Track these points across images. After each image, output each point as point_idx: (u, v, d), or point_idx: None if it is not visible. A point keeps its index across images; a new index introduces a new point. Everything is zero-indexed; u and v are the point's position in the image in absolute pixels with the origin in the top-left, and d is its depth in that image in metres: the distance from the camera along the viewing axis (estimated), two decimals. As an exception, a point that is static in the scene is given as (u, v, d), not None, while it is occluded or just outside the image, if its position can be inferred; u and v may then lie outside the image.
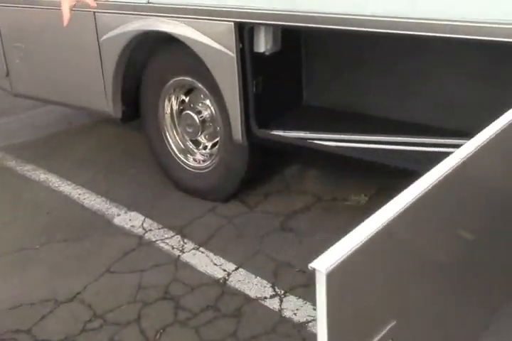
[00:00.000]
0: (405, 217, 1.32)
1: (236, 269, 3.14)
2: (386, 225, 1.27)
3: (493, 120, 2.74)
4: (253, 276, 3.09)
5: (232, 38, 3.01)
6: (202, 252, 3.29)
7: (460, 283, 1.74)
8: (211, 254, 3.26)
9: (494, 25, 2.39)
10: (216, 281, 3.07)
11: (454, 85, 3.10)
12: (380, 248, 1.27)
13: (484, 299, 1.97)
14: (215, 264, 3.19)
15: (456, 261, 1.66)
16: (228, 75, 3.10)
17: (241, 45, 3.01)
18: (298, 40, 3.40)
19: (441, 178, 1.43)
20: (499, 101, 3.10)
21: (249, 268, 3.14)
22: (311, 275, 3.05)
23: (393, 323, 1.35)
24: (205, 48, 3.14)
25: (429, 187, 1.42)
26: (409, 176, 3.44)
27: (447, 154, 2.86)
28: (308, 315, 2.85)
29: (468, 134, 2.99)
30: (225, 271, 3.13)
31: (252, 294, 2.98)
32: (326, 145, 3.03)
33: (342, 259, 1.15)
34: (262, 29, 3.04)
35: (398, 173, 3.58)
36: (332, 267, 1.13)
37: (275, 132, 3.18)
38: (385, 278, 1.35)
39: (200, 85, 3.41)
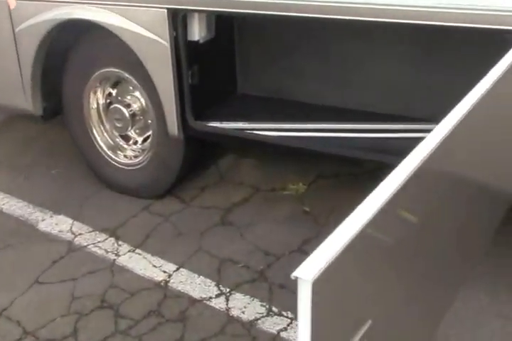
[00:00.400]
0: (379, 219, 1.25)
1: (177, 270, 2.98)
2: (362, 229, 1.21)
3: (433, 103, 2.69)
4: (196, 276, 2.95)
5: (165, 26, 2.83)
6: (139, 254, 3.11)
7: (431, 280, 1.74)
8: (149, 256, 3.09)
9: (431, 10, 2.34)
10: (157, 284, 2.91)
11: (391, 70, 3.03)
12: (359, 252, 1.24)
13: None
14: (154, 266, 3.02)
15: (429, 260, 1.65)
16: (162, 65, 2.92)
17: (175, 33, 2.85)
18: (231, 27, 3.25)
19: (412, 173, 1.33)
20: (437, 84, 3.09)
21: (191, 267, 2.99)
22: (256, 270, 2.97)
23: (369, 323, 1.34)
24: (136, 37, 2.95)
25: (401, 185, 1.30)
26: (346, 163, 3.49)
27: (386, 139, 2.87)
28: (257, 312, 2.73)
29: (407, 119, 3.00)
30: (165, 272, 2.97)
31: (196, 295, 2.83)
32: (266, 136, 2.91)
33: (325, 267, 1.12)
34: (196, 16, 2.88)
35: (336, 161, 3.54)
36: (317, 275, 1.10)
37: (212, 124, 3.03)
38: (364, 280, 1.34)
39: (129, 76, 3.20)
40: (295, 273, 1.12)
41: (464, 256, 2.08)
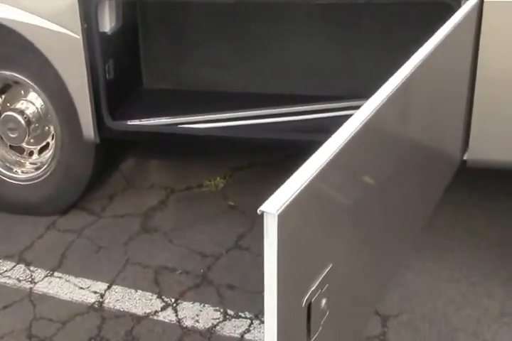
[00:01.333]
0: (336, 163, 1.37)
1: (109, 288, 2.66)
2: (320, 171, 1.32)
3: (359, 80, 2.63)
4: (132, 291, 2.64)
5: (76, 17, 2.52)
6: (59, 277, 2.73)
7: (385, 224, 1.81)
8: (72, 278, 2.73)
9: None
10: (90, 307, 2.57)
11: (309, 50, 2.91)
12: (319, 193, 1.35)
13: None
14: (82, 288, 2.66)
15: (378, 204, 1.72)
16: (74, 61, 2.61)
17: (86, 25, 2.54)
18: (134, 16, 2.97)
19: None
20: (353, 64, 3.01)
21: (124, 283, 2.68)
22: (197, 275, 2.72)
23: (330, 266, 1.40)
24: (41, 32, 2.62)
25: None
26: (258, 154, 3.32)
27: (323, 119, 2.75)
28: (212, 319, 2.49)
29: (335, 98, 2.89)
30: (96, 293, 2.63)
31: (140, 311, 2.53)
32: (199, 129, 2.69)
33: (289, 202, 1.21)
34: (107, 4, 2.60)
35: (247, 153, 3.37)
36: (282, 209, 1.19)
37: (132, 122, 2.75)
38: (325, 223, 1.42)
39: (23, 78, 2.81)
40: (261, 208, 1.19)
41: (415, 212, 2.10)
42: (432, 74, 1.89)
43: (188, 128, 2.70)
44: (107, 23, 2.64)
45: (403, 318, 2.48)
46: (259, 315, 2.51)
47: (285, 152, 3.23)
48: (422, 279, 2.65)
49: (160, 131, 2.76)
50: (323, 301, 1.36)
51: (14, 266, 2.82)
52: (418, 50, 1.75)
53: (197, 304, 2.56)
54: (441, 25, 1.92)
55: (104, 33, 2.66)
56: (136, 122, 2.76)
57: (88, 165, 2.92)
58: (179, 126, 2.72)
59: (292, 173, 1.28)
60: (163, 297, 2.60)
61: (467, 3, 2.14)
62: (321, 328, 1.38)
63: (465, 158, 2.48)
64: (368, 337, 2.40)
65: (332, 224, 1.44)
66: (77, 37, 2.56)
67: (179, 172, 3.34)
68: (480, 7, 2.19)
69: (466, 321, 2.46)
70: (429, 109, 1.96)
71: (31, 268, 2.80)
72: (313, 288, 1.33)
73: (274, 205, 1.19)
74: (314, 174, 1.29)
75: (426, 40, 1.79)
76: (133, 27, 2.96)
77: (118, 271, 2.73)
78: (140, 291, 2.63)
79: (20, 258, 2.86)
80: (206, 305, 2.55)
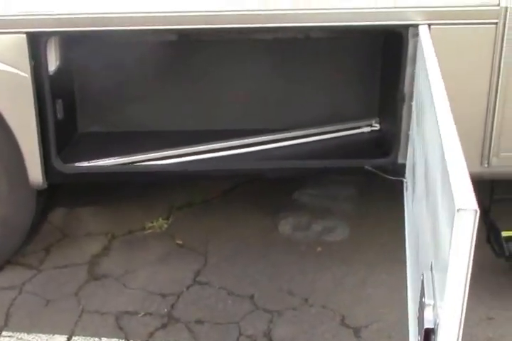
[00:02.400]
0: None
1: (69, 339, 2.49)
2: None
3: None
4: (96, 339, 2.49)
5: (23, 54, 2.39)
6: (9, 337, 2.50)
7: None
8: (24, 335, 2.51)
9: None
10: (53, 363, 2.41)
11: (243, 89, 3.00)
12: None
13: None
14: (39, 345, 2.49)
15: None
16: (20, 101, 2.46)
17: (34, 63, 2.43)
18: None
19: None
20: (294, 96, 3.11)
21: (86, 333, 2.50)
22: (162, 314, 2.61)
23: None
24: None
25: None
26: (196, 192, 3.31)
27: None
28: (190, 356, 2.41)
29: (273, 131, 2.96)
30: (56, 346, 2.48)
31: (111, 358, 2.41)
32: (155, 165, 2.65)
33: None
34: (57, 40, 2.54)
35: (185, 191, 3.35)
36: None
37: (82, 164, 2.64)
38: None
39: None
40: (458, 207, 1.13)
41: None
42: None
43: (149, 165, 2.65)
44: (53, 61, 2.58)
45: (373, 328, 2.54)
46: (235, 345, 2.46)
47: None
48: (381, 291, 2.73)
49: (120, 171, 2.68)
50: None
51: (-45, 332, 2.60)
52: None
53: (169, 343, 2.47)
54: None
55: (52, 71, 2.59)
56: (85, 164, 2.66)
57: (28, 216, 2.75)
58: (135, 164, 2.67)
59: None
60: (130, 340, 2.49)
61: (420, 29, 2.30)
62: None
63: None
64: (345, 348, 2.43)
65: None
66: (25, 75, 2.44)
67: (116, 218, 3.22)
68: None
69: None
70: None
71: (-25, 331, 2.59)
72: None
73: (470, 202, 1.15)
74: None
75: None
76: (71, 69, 2.92)
77: (75, 321, 2.56)
78: (105, 339, 2.48)
79: (-41, 322, 2.64)
80: (179, 343, 2.47)
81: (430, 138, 1.80)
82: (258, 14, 2.35)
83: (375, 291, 2.72)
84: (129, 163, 2.71)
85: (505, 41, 2.35)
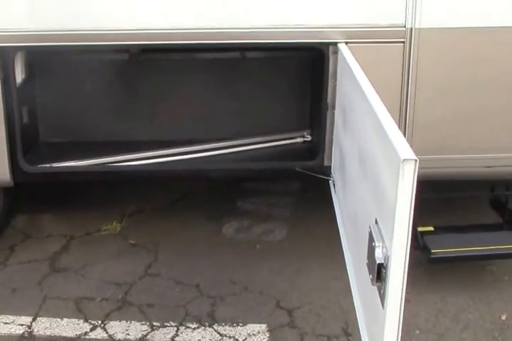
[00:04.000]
0: None
1: (34, 320, 2.75)
2: None
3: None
4: (58, 320, 2.76)
5: None
6: (-19, 317, 2.80)
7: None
8: (-6, 316, 2.81)
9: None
10: (20, 337, 2.65)
11: (194, 101, 3.35)
12: None
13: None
14: (6, 323, 2.73)
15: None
16: None
17: (2, 74, 2.75)
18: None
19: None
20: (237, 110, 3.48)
21: (49, 314, 2.79)
22: (117, 299, 2.90)
23: None
24: None
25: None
26: (147, 200, 3.64)
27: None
28: (142, 330, 2.69)
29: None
30: (22, 325, 2.72)
31: (70, 334, 2.67)
32: (110, 166, 2.99)
33: None
34: (23, 54, 2.84)
35: (139, 197, 3.69)
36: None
37: (44, 165, 2.95)
38: None
39: None
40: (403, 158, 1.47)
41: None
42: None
43: (116, 165, 3.00)
44: (19, 73, 2.89)
45: (305, 309, 2.86)
46: (183, 322, 2.75)
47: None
48: (313, 279, 3.06)
49: (86, 170, 3.01)
50: None
51: None
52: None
53: (123, 322, 2.74)
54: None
55: (18, 83, 2.89)
56: (47, 165, 2.97)
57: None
58: (107, 165, 3.01)
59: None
60: (89, 320, 2.75)
61: (340, 47, 2.70)
62: None
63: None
64: (280, 325, 2.74)
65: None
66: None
67: (73, 221, 3.53)
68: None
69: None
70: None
71: None
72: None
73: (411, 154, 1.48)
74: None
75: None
76: (34, 81, 3.24)
77: (39, 305, 2.84)
78: (66, 319, 2.75)
79: None
80: (133, 321, 2.74)
81: (363, 126, 2.14)
82: (196, 32, 2.70)
83: (308, 279, 3.07)
84: (98, 165, 3.04)
85: (412, 57, 2.77)
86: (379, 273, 1.70)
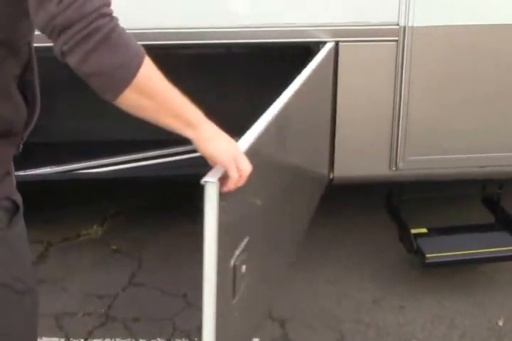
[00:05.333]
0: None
1: (12, 339, 2.63)
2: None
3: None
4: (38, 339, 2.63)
5: None
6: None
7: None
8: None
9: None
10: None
11: None
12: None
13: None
14: (-18, 344, 2.61)
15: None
16: None
17: None
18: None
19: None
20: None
21: (27, 332, 2.67)
22: (100, 314, 2.75)
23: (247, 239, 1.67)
24: None
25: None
26: (131, 200, 3.48)
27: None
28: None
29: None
30: (-1, 346, 2.60)
31: (52, 353, 2.55)
32: (89, 173, 2.86)
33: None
34: None
35: (118, 199, 3.54)
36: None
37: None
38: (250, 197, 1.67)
39: None
40: (205, 179, 1.38)
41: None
42: (299, 111, 2.20)
43: (86, 173, 2.84)
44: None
45: (298, 319, 2.77)
46: (171, 339, 2.64)
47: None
48: (303, 284, 2.98)
49: (52, 179, 2.84)
50: (243, 267, 1.64)
51: None
52: (285, 90, 2.03)
53: (107, 339, 2.62)
54: (303, 67, 2.29)
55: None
56: (21, 173, 2.80)
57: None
58: (80, 171, 2.85)
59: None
60: (70, 338, 2.62)
61: (325, 46, 2.56)
62: (242, 290, 1.67)
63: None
64: (273, 339, 2.64)
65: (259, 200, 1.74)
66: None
67: (51, 226, 3.36)
68: (336, 49, 2.62)
69: (348, 311, 2.81)
70: (299, 139, 2.28)
71: None
72: (238, 253, 1.61)
73: (214, 176, 1.40)
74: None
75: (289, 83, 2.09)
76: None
77: (17, 323, 2.71)
78: (46, 338, 2.62)
79: None
80: (117, 338, 2.62)
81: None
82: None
83: (298, 284, 2.95)
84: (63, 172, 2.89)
85: (405, 56, 2.65)
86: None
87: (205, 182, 1.38)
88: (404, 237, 3.03)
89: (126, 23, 1.26)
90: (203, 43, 2.60)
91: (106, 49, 1.22)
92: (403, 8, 2.57)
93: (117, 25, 1.25)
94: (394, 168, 2.88)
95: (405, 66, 2.66)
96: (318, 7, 2.57)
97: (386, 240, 3.23)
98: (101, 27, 1.22)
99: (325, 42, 2.59)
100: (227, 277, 1.59)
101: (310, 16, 2.57)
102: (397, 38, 2.61)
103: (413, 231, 2.99)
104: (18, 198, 1.53)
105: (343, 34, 2.59)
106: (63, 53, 1.24)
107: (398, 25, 2.60)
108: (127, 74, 1.26)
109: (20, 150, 1.54)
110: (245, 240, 1.65)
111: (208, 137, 1.39)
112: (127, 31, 1.27)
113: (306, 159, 2.52)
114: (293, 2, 2.57)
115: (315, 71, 2.37)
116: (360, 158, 2.84)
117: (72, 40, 1.21)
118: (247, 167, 1.44)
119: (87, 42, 1.21)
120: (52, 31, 1.22)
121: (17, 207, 1.51)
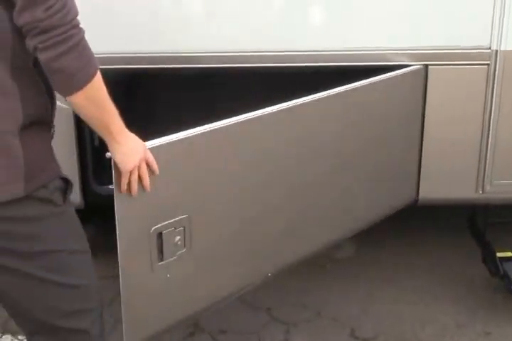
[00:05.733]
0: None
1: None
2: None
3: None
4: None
5: None
6: None
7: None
8: None
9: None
10: None
11: None
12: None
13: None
14: None
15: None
16: (64, 130, 2.61)
17: None
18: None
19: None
20: None
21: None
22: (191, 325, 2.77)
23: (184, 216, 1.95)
24: None
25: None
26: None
27: None
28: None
29: None
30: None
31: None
32: None
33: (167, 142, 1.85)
34: None
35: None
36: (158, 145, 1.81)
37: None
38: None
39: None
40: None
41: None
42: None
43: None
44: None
45: (380, 340, 2.79)
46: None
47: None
48: (387, 306, 2.99)
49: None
50: (177, 237, 1.94)
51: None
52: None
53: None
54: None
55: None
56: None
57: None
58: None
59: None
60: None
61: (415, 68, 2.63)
62: (175, 257, 1.96)
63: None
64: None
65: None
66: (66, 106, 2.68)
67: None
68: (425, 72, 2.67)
69: (432, 336, 2.80)
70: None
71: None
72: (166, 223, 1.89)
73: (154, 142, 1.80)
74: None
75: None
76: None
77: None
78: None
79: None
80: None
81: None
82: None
83: (382, 306, 2.98)
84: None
85: (496, 80, 2.66)
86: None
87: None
88: (489, 260, 3.00)
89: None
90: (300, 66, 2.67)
91: (75, 53, 1.53)
92: (495, 32, 2.59)
93: (84, 36, 1.56)
94: (481, 191, 2.88)
95: (496, 89, 2.67)
96: (411, 31, 2.62)
97: (469, 262, 3.23)
98: (74, 35, 1.53)
99: (414, 65, 2.63)
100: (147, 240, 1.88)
101: (401, 40, 2.62)
102: (488, 62, 2.63)
103: (499, 254, 2.95)
104: (66, 175, 1.75)
105: (434, 57, 2.63)
106: (37, 48, 1.51)
107: (490, 49, 2.62)
108: (85, 77, 1.56)
109: (53, 136, 1.77)
110: (180, 217, 1.94)
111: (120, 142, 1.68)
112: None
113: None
114: (382, 25, 2.64)
115: (404, 94, 2.42)
116: (446, 180, 2.86)
117: (49, 41, 1.50)
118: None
119: (61, 46, 1.51)
120: (32, 30, 1.50)
121: (67, 182, 1.73)
